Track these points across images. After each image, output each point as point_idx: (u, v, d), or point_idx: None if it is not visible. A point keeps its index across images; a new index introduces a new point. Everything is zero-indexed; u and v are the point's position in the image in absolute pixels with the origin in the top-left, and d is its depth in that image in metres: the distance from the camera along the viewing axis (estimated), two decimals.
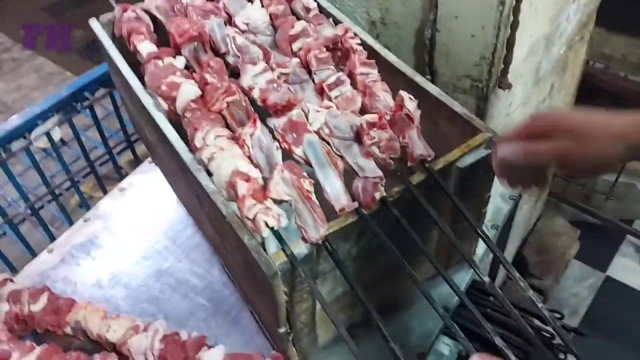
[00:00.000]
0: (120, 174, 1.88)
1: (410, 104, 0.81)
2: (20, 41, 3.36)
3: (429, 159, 0.80)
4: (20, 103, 2.89)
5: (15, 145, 1.57)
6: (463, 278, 1.02)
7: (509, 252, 1.87)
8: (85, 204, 1.81)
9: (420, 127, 0.84)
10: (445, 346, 1.08)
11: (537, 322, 1.42)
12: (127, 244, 1.12)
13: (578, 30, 1.39)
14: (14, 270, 1.68)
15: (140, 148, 1.94)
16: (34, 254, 1.71)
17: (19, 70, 3.14)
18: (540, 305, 0.64)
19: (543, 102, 1.41)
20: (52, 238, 1.72)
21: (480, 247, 1.05)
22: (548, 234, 1.99)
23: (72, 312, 0.93)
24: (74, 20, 3.38)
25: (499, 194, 1.14)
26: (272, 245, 0.81)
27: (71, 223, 1.77)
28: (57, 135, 1.93)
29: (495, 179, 0.92)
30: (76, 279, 1.07)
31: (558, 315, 1.42)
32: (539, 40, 1.17)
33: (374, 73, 0.92)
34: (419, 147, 0.80)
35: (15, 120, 1.49)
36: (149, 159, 1.27)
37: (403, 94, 0.82)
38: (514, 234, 1.78)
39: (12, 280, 1.00)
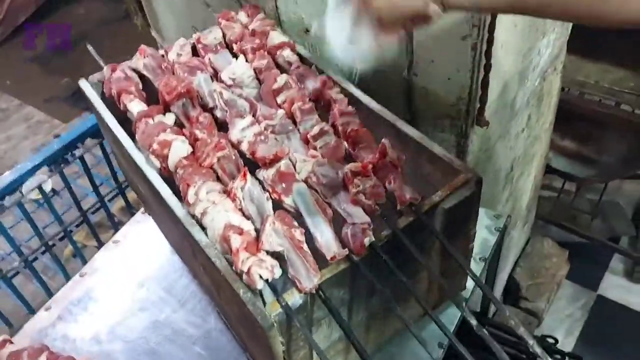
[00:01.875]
0: (113, 222, 1.90)
1: (393, 151, 0.85)
2: (7, 91, 3.40)
3: (417, 202, 0.83)
4: (10, 153, 2.91)
5: (8, 201, 1.59)
6: (455, 312, 1.04)
7: (502, 278, 1.90)
8: (79, 254, 1.82)
9: (403, 170, 0.88)
10: None
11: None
12: (124, 296, 1.13)
13: (550, 63, 1.45)
14: (10, 325, 1.68)
15: (132, 194, 1.96)
16: (28, 307, 1.71)
17: (7, 121, 3.16)
18: (531, 342, 0.66)
19: (522, 132, 1.46)
20: (47, 289, 1.73)
21: (471, 280, 1.07)
22: (538, 257, 2.02)
23: None
24: (61, 69, 3.43)
25: (485, 227, 1.17)
26: (267, 293, 0.83)
27: (65, 273, 1.79)
28: (48, 186, 1.95)
29: (479, 215, 0.96)
30: (75, 335, 1.08)
31: (552, 341, 1.44)
32: (513, 76, 1.23)
33: (355, 121, 0.96)
34: (408, 192, 0.83)
35: (8, 177, 1.52)
36: (142, 209, 1.29)
37: (385, 142, 0.86)
38: (505, 260, 1.81)
39: (11, 342, 1.00)
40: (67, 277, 1.77)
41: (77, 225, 2.00)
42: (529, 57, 1.27)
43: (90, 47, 1.25)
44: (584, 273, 2.09)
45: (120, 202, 2.07)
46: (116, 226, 1.88)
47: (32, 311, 1.68)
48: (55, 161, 1.63)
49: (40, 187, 1.63)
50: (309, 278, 0.75)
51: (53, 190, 2.07)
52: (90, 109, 1.53)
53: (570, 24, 1.45)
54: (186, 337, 1.05)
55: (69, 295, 1.15)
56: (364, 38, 0.80)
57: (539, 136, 1.62)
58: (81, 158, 1.69)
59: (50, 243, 1.72)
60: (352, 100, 1.03)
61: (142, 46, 1.14)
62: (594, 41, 1.85)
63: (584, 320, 1.97)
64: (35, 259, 1.86)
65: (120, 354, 1.04)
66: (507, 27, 1.09)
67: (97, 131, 1.65)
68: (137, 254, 1.21)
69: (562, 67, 1.59)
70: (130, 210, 1.91)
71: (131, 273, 1.17)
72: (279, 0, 1.27)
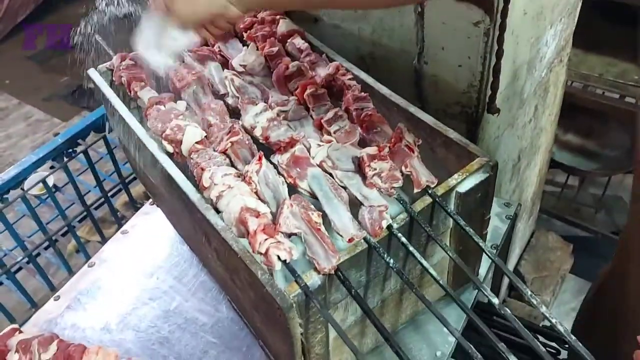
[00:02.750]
0: (117, 217, 1.89)
1: (409, 135, 0.84)
2: (5, 90, 3.38)
3: (433, 185, 0.83)
4: (10, 151, 2.89)
5: (12, 195, 1.57)
6: (468, 299, 1.04)
7: None
8: (83, 249, 1.81)
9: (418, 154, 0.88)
10: None
11: (541, 338, 1.44)
12: (134, 286, 1.13)
13: (557, 54, 1.45)
14: (13, 320, 1.67)
15: (136, 189, 1.95)
16: (32, 302, 1.70)
17: (6, 119, 3.15)
18: (554, 320, 0.66)
19: (529, 123, 1.46)
20: (50, 284, 1.72)
21: (483, 268, 1.07)
22: (542, 250, 2.02)
23: (84, 359, 0.93)
24: (60, 68, 3.41)
25: (495, 214, 1.17)
26: (280, 280, 0.83)
27: (69, 268, 1.77)
28: (50, 181, 1.94)
29: (494, 201, 0.96)
30: (84, 325, 1.07)
31: None
32: (522, 65, 1.23)
33: (369, 106, 0.96)
34: (424, 175, 0.83)
35: (12, 171, 1.50)
36: (150, 201, 1.29)
37: (401, 126, 0.86)
38: (510, 252, 1.81)
39: (20, 331, 0.99)
40: (71, 272, 1.76)
41: (80, 221, 1.99)
42: (536, 47, 1.28)
43: (98, 38, 1.24)
44: (588, 267, 2.09)
45: (123, 198, 2.06)
46: (119, 221, 1.87)
47: (35, 306, 1.67)
48: (60, 155, 1.62)
49: (44, 182, 1.62)
50: (328, 259, 0.75)
51: (55, 186, 2.06)
52: (90, 108, 1.52)
53: (577, 15, 1.46)
54: (198, 325, 1.04)
55: (78, 286, 1.14)
56: (170, 39, 0.90)
57: (544, 128, 1.62)
58: (85, 152, 1.68)
59: (53, 238, 1.70)
60: (364, 87, 1.02)
61: None
62: (598, 34, 1.86)
63: None
64: (39, 254, 1.85)
65: (132, 343, 1.03)
66: (517, 14, 1.09)
67: (100, 126, 1.65)
68: (146, 244, 1.20)
69: (568, 60, 1.59)
70: (134, 204, 1.90)
71: (140, 263, 1.16)
72: None
